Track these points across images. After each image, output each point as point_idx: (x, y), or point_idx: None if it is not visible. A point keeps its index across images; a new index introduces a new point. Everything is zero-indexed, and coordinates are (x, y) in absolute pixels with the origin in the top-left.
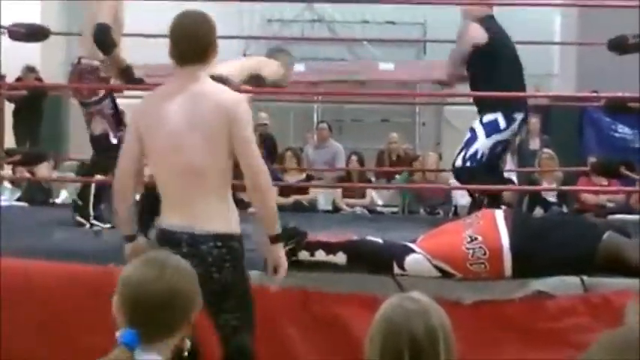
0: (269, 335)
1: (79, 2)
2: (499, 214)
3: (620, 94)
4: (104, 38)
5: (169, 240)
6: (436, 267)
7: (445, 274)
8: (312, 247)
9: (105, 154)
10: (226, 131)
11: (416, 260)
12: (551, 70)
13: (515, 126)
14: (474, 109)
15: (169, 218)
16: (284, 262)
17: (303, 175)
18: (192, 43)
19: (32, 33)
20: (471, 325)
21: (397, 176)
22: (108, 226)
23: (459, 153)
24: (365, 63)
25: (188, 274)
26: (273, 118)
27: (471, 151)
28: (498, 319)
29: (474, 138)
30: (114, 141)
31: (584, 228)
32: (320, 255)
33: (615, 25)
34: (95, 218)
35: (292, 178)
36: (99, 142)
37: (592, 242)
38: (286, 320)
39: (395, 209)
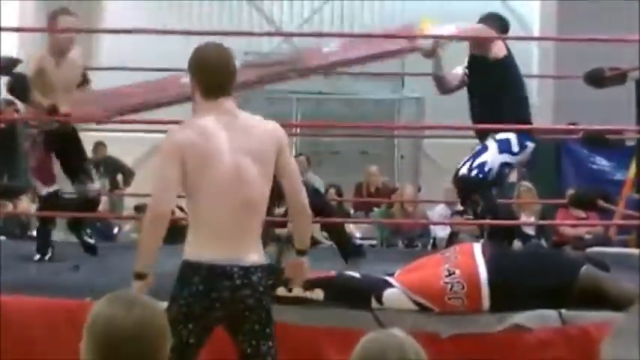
0: None
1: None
2: (477, 248)
3: (597, 127)
4: (17, 87)
5: (219, 274)
6: (414, 301)
7: (423, 308)
8: (289, 283)
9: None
10: (274, 159)
11: (394, 294)
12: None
13: (526, 154)
14: (453, 141)
15: (218, 252)
16: (305, 273)
17: (283, 209)
18: (225, 75)
19: (7, 66)
20: (448, 359)
21: (375, 209)
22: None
23: (465, 162)
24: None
25: (157, 310)
26: None
27: (479, 160)
28: (476, 352)
29: (484, 149)
30: (43, 192)
31: (562, 261)
32: (298, 291)
33: (592, 58)
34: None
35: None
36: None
37: (570, 275)
38: None
39: (373, 242)
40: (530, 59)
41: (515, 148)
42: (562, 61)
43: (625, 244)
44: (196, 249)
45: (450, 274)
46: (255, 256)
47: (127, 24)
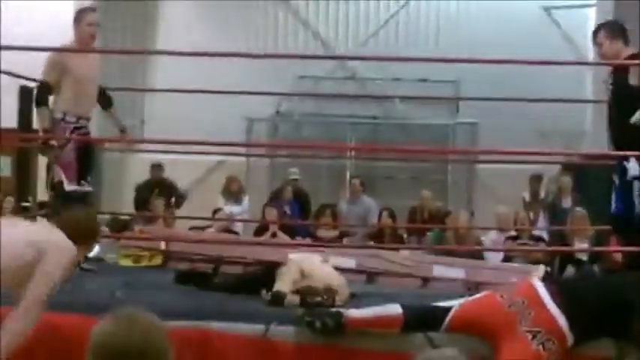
0: None
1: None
2: (541, 289)
3: None
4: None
5: None
6: None
7: None
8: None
9: (61, 199)
10: None
11: None
12: (583, 127)
13: None
14: (507, 167)
15: None
16: None
17: (337, 232)
18: None
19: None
20: None
21: (429, 233)
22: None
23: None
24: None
25: (160, 327)
26: (305, 173)
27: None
28: None
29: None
30: (67, 188)
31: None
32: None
33: None
34: None
35: (325, 234)
36: (57, 189)
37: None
38: None
39: None
40: (584, 84)
41: None
42: None
43: None
44: None
45: (534, 336)
46: None
47: (182, 47)
